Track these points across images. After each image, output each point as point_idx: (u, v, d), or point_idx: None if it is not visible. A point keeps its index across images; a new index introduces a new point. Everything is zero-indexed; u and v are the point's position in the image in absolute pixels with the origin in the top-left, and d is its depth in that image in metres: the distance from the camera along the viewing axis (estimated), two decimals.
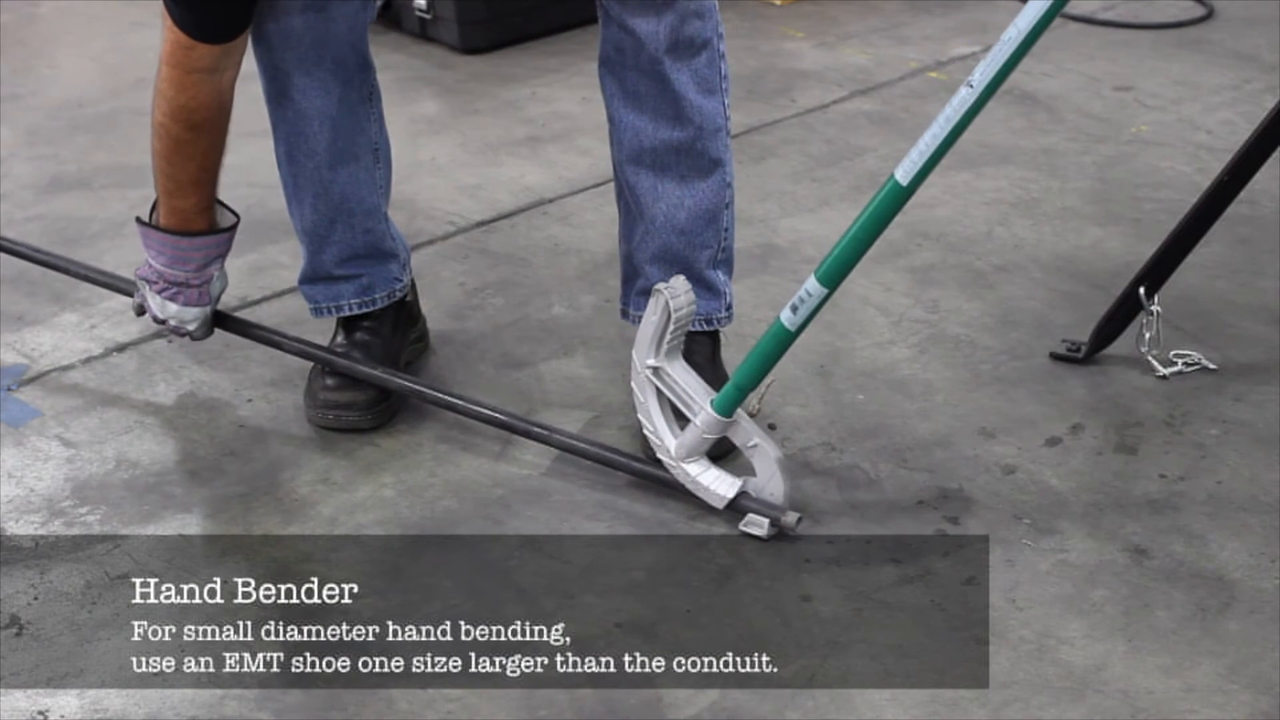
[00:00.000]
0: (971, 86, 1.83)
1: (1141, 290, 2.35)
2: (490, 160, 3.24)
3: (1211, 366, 2.41)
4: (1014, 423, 2.30)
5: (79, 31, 4.12)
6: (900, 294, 2.67)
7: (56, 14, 4.26)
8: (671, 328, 2.06)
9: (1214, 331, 2.52)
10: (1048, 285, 2.68)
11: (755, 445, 2.07)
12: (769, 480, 2.06)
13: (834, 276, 1.95)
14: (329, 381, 2.31)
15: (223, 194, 3.24)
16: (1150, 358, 2.40)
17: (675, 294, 2.05)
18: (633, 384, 2.13)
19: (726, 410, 2.05)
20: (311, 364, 2.36)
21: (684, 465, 2.10)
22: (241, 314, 2.65)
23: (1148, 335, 2.38)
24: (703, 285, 2.29)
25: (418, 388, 2.29)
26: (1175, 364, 2.41)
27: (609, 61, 2.21)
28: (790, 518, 2.04)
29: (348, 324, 2.38)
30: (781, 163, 3.21)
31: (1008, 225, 2.90)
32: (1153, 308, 2.37)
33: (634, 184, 2.25)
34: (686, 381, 2.09)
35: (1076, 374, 2.42)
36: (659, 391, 2.11)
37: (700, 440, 2.08)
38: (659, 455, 2.12)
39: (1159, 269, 2.35)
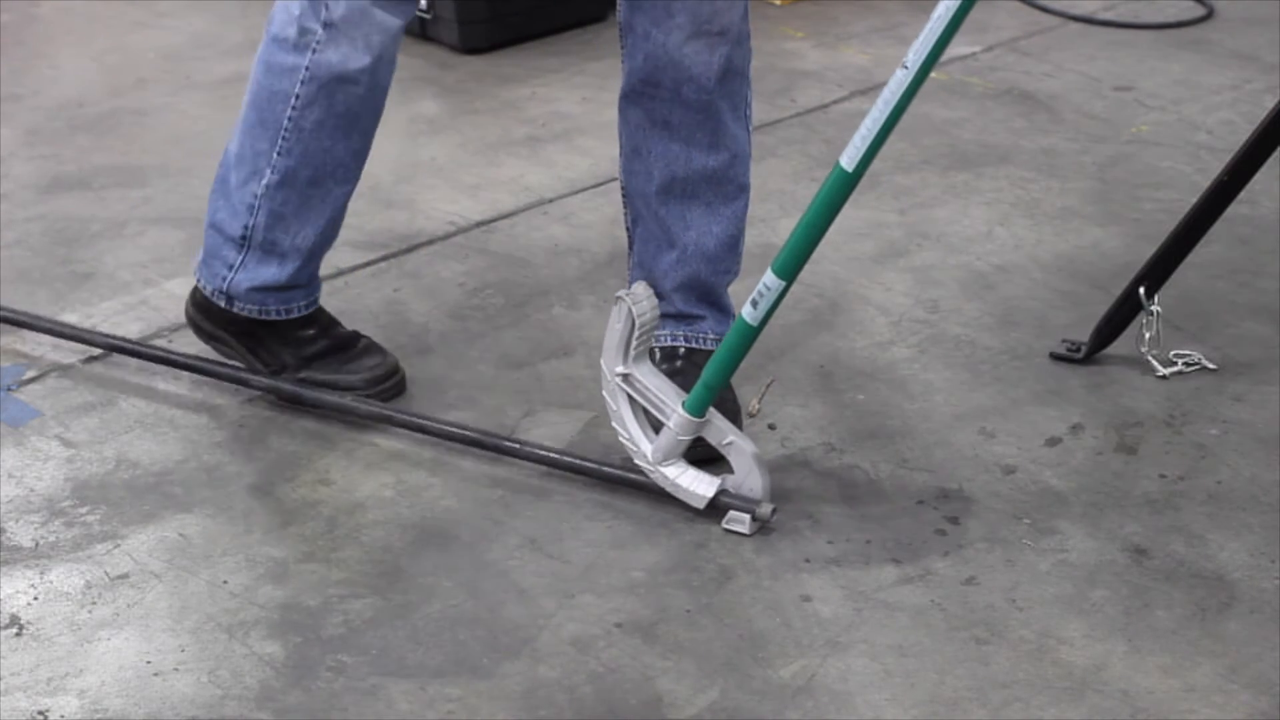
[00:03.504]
0: (907, 68, 1.84)
1: (1141, 290, 2.35)
2: (490, 160, 3.24)
3: (1211, 366, 2.41)
4: (1014, 423, 2.30)
5: (79, 31, 4.12)
6: (900, 294, 2.67)
7: (56, 14, 4.26)
8: (636, 333, 2.07)
9: (1214, 331, 2.52)
10: (1048, 285, 2.68)
11: (730, 443, 2.07)
12: (747, 476, 2.06)
13: (790, 268, 1.96)
14: (368, 361, 2.35)
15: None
16: (1150, 358, 2.40)
17: (637, 300, 2.06)
18: (604, 393, 2.14)
19: (698, 410, 2.06)
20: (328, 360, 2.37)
21: (661, 469, 2.10)
22: None
23: (1148, 335, 2.38)
24: (718, 309, 2.31)
25: (385, 413, 2.30)
26: (1175, 364, 2.41)
27: (638, 94, 2.20)
28: (764, 509, 2.04)
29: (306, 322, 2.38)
30: (781, 163, 3.21)
31: (1008, 225, 2.90)
32: (1153, 308, 2.37)
33: (663, 213, 2.25)
34: (657, 385, 2.10)
35: (1076, 374, 2.42)
36: (630, 398, 2.12)
37: (675, 442, 2.08)
38: (636, 461, 2.12)
39: (1159, 269, 2.35)
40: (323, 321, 2.39)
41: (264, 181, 2.23)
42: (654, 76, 2.17)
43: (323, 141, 2.20)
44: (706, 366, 2.04)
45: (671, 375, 2.22)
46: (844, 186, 1.90)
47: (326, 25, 2.12)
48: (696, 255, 2.27)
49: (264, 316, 2.33)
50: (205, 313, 2.38)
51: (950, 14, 1.79)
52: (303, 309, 2.35)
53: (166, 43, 3.95)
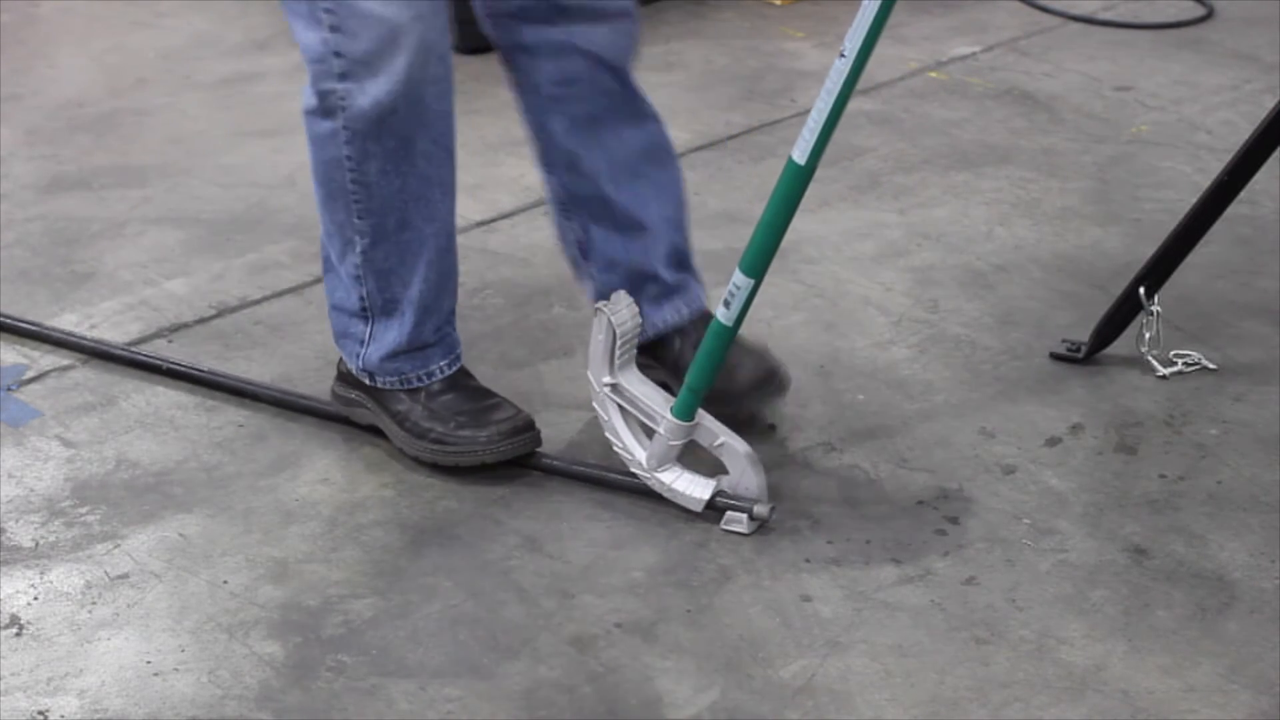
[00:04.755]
0: (845, 55, 1.84)
1: (1141, 290, 2.35)
2: (490, 160, 3.24)
3: (1211, 366, 2.41)
4: (1014, 423, 2.30)
5: (79, 31, 4.11)
6: (900, 294, 2.67)
7: (56, 14, 4.26)
8: (619, 343, 2.08)
9: (1214, 331, 2.52)
10: (1048, 285, 2.68)
11: (722, 444, 2.07)
12: (741, 476, 2.07)
13: (757, 266, 1.97)
14: (498, 415, 2.21)
15: (223, 193, 3.25)
16: (1150, 358, 2.40)
17: (616, 310, 2.07)
18: (594, 404, 2.15)
19: (686, 414, 2.06)
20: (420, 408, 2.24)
21: (657, 475, 2.10)
22: (241, 314, 2.65)
23: (1148, 335, 2.38)
24: (692, 274, 2.32)
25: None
26: (1175, 364, 2.41)
27: (554, 99, 2.19)
28: (762, 509, 2.04)
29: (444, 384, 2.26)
30: (781, 163, 3.19)
31: (1008, 225, 2.90)
32: (1153, 308, 2.37)
33: (621, 202, 2.25)
34: (644, 393, 2.11)
35: (1076, 374, 2.42)
36: (620, 407, 2.12)
37: (668, 448, 2.09)
38: (632, 469, 2.12)
39: (1159, 269, 2.35)
40: (449, 372, 2.26)
41: (358, 249, 2.16)
42: (567, 75, 2.17)
43: (392, 184, 2.11)
44: (689, 370, 2.05)
45: (679, 359, 2.22)
46: (799, 181, 1.93)
47: (342, 76, 2.03)
48: (665, 225, 2.27)
49: (407, 386, 2.23)
50: (342, 380, 2.30)
51: None
52: (445, 369, 2.24)
53: (166, 43, 3.95)
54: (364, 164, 2.09)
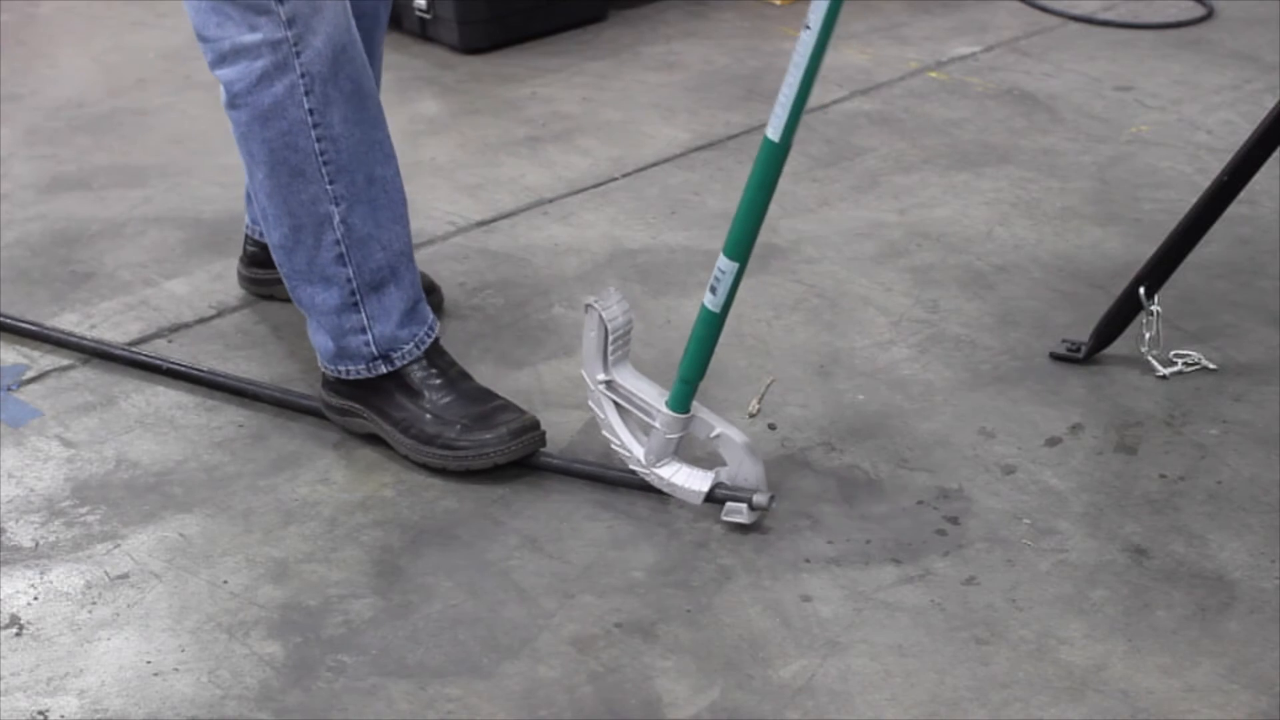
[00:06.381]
0: (809, 28, 1.84)
1: (1141, 290, 2.35)
2: (490, 160, 3.24)
3: (1211, 366, 2.41)
4: (1014, 423, 2.30)
5: (79, 31, 4.12)
6: (900, 294, 2.67)
7: (56, 14, 4.26)
8: (612, 339, 2.08)
9: (1214, 331, 2.52)
10: (1048, 285, 2.68)
11: (718, 435, 2.07)
12: (740, 466, 2.07)
13: (740, 249, 1.97)
14: (504, 416, 2.20)
15: (223, 193, 3.24)
16: (1150, 358, 2.40)
17: (607, 306, 2.07)
18: (590, 403, 2.15)
19: (681, 407, 2.06)
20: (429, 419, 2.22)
21: (655, 470, 2.10)
22: (241, 314, 2.65)
23: (1148, 335, 2.38)
24: None
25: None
26: (1175, 364, 2.41)
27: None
28: (761, 497, 2.04)
29: (427, 360, 2.26)
30: None
31: (1008, 225, 2.90)
32: (1153, 308, 2.37)
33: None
34: (639, 388, 2.11)
35: (1076, 374, 2.42)
36: (616, 404, 2.12)
37: (665, 442, 2.09)
38: (631, 465, 2.12)
39: (1159, 269, 2.35)
40: (450, 374, 2.25)
41: (336, 220, 2.14)
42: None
43: (354, 133, 2.11)
44: (681, 362, 2.05)
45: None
46: (775, 158, 1.92)
47: (290, 22, 2.03)
48: None
49: (423, 347, 2.22)
50: (330, 389, 2.28)
51: None
52: (435, 322, 2.25)
53: (166, 43, 3.95)
54: (328, 113, 2.09)
